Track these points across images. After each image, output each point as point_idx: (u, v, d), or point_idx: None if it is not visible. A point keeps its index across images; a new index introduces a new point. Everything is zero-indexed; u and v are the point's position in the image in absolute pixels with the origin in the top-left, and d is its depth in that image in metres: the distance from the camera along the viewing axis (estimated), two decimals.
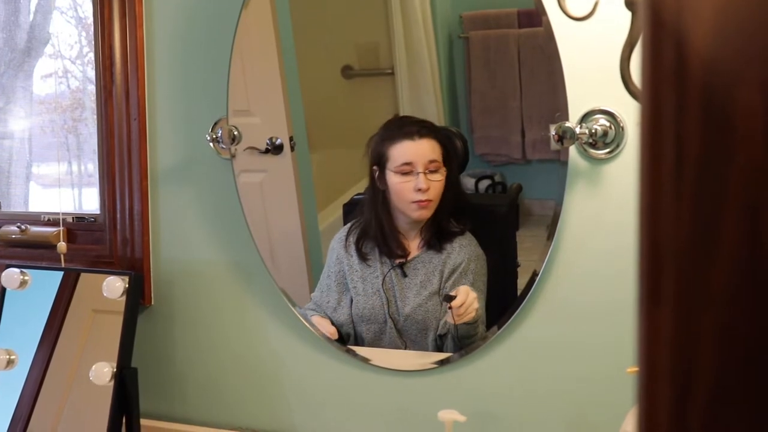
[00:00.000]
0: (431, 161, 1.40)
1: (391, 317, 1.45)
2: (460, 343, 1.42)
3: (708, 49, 0.43)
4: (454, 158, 1.42)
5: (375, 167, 1.45)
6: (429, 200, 1.41)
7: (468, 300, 1.36)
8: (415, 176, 1.40)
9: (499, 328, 1.39)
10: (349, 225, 1.50)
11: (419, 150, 1.40)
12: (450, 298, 1.37)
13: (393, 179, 1.42)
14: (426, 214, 1.42)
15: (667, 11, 0.44)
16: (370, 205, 1.47)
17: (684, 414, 0.44)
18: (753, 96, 0.42)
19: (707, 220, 0.43)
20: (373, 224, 1.46)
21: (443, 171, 1.41)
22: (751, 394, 0.43)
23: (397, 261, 1.46)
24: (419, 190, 1.40)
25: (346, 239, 1.49)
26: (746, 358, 0.43)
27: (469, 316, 1.37)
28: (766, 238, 0.42)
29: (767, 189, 0.42)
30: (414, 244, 1.46)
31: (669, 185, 0.44)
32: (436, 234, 1.43)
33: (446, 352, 1.44)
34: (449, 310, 1.37)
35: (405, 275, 1.45)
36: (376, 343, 1.48)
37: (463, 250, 1.42)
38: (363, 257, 1.47)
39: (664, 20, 0.44)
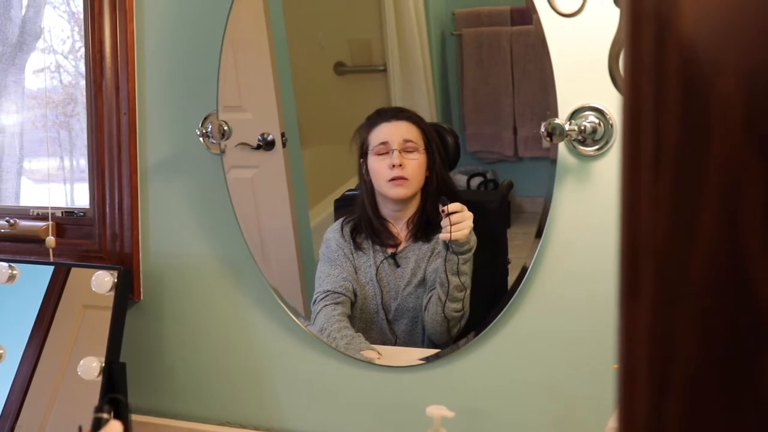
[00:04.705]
0: (406, 140, 1.42)
1: (383, 307, 1.46)
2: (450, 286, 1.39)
3: (688, 40, 0.43)
4: (435, 145, 1.43)
5: (361, 159, 1.47)
6: (404, 177, 1.42)
7: (464, 212, 1.37)
8: (390, 154, 1.42)
9: (488, 324, 1.39)
10: (342, 219, 1.51)
11: (393, 129, 1.43)
12: (445, 202, 1.37)
13: (372, 162, 1.45)
14: (402, 192, 1.43)
15: (647, 2, 0.44)
16: (359, 198, 1.49)
17: (662, 404, 0.44)
18: (731, 86, 0.42)
19: (685, 211, 0.43)
20: (363, 215, 1.48)
21: (422, 153, 1.42)
22: (728, 385, 0.43)
23: (389, 251, 1.47)
24: (393, 166, 1.42)
25: (342, 229, 1.50)
26: (723, 349, 0.43)
27: (463, 233, 1.36)
28: (744, 229, 0.42)
29: (745, 180, 0.42)
30: (403, 235, 1.46)
31: (648, 176, 0.44)
32: (425, 226, 1.44)
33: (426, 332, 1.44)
34: (444, 219, 1.37)
35: (398, 265, 1.46)
36: (366, 335, 1.48)
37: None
38: (358, 246, 1.48)
39: (644, 10, 0.44)
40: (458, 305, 1.40)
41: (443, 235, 1.37)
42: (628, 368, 0.46)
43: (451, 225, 1.36)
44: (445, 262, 1.39)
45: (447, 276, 1.39)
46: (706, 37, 0.43)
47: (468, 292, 1.40)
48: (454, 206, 1.37)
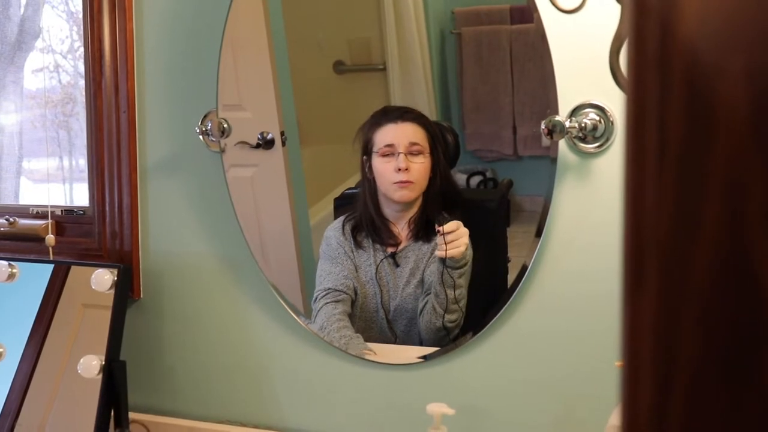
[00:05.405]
0: (412, 143, 1.42)
1: (383, 307, 1.46)
2: (444, 298, 1.40)
3: (692, 37, 0.43)
4: (440, 147, 1.43)
5: (364, 157, 1.46)
6: (409, 181, 1.42)
7: (460, 230, 1.37)
8: (395, 157, 1.41)
9: (487, 323, 1.39)
10: (343, 216, 1.50)
11: (400, 131, 1.43)
12: (441, 222, 1.38)
13: (376, 163, 1.44)
14: (407, 195, 1.43)
15: None
16: (361, 196, 1.48)
17: (665, 401, 0.44)
18: (736, 85, 0.42)
19: (689, 208, 0.43)
20: (365, 214, 1.47)
21: (427, 156, 1.42)
22: (730, 383, 0.43)
23: (389, 250, 1.46)
24: (399, 169, 1.41)
25: (343, 228, 1.49)
26: (726, 347, 0.43)
27: (458, 250, 1.37)
28: (748, 226, 0.42)
29: (749, 178, 0.42)
30: (404, 235, 1.46)
31: (652, 172, 0.44)
32: (426, 226, 1.44)
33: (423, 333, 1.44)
34: (439, 237, 1.37)
35: (397, 265, 1.46)
36: (366, 334, 1.48)
37: None
38: (358, 245, 1.48)
39: (648, 7, 0.44)
40: (455, 316, 1.40)
41: (439, 252, 1.38)
42: (632, 366, 0.46)
43: (446, 243, 1.36)
44: (441, 276, 1.39)
45: (444, 289, 1.39)
46: (712, 34, 0.42)
47: (464, 301, 1.40)
48: (450, 226, 1.37)
